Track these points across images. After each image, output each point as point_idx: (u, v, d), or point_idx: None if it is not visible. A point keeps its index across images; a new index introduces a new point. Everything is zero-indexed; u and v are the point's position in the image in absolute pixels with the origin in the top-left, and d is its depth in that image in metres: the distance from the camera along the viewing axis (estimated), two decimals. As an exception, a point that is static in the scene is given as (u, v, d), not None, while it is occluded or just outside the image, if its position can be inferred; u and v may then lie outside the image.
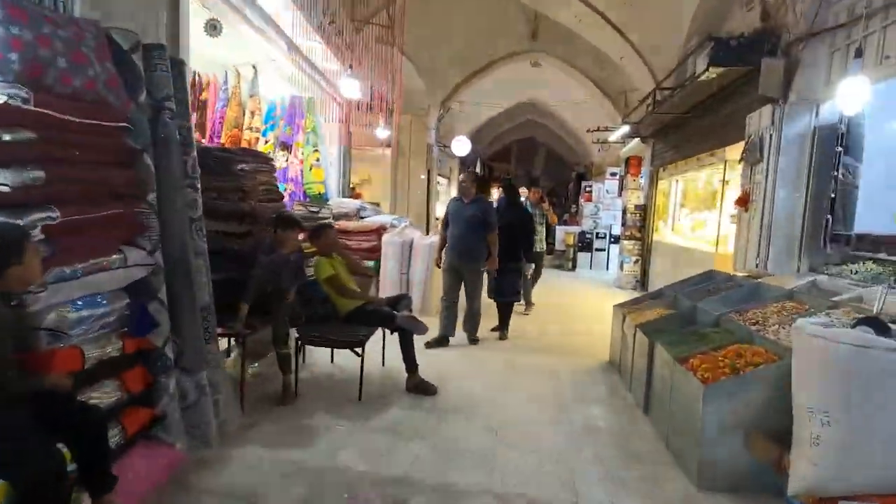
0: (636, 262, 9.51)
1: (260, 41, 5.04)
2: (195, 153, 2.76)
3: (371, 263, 6.37)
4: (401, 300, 3.92)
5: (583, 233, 12.17)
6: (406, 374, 3.68)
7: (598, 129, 12.99)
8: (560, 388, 3.96)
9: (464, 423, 3.22)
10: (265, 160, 4.05)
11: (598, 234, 12.04)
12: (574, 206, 21.19)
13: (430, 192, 12.38)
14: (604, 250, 12.01)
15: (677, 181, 9.03)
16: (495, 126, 18.56)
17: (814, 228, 4.18)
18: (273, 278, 3.34)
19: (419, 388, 3.63)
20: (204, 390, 2.65)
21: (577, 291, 9.06)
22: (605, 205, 12.35)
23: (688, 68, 6.55)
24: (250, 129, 7.37)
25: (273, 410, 3.23)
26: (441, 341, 4.83)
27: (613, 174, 12.45)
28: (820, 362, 1.94)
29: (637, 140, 9.78)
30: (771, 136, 4.30)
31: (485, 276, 4.94)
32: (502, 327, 5.40)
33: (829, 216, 3.93)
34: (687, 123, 7.33)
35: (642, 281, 9.39)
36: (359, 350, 3.44)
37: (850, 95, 3.27)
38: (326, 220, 4.79)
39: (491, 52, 12.06)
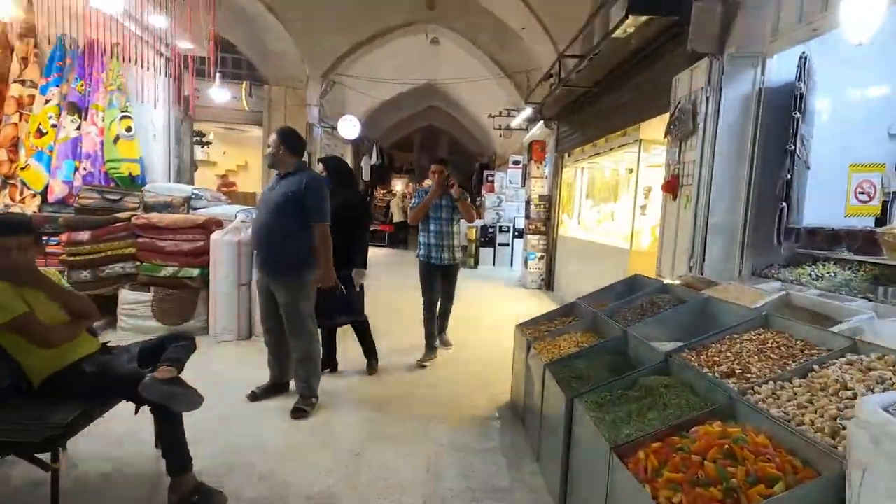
0: (541, 258, 8.58)
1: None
2: None
3: (195, 272, 4.61)
4: (169, 343, 2.30)
5: (485, 227, 11.14)
6: (169, 478, 2.10)
7: (499, 115, 12.03)
8: (437, 465, 2.61)
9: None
10: None
11: (501, 227, 11.07)
12: (479, 198, 20.45)
13: (313, 180, 10.59)
14: (508, 245, 11.07)
15: (583, 169, 8.20)
16: (394, 111, 17.04)
17: (759, 220, 3.25)
18: None
19: (189, 501, 2.07)
20: None
21: (477, 294, 7.90)
22: (509, 196, 11.42)
23: (596, 31, 5.56)
24: (22, 82, 5.20)
25: None
26: (269, 391, 3.28)
27: (516, 162, 11.55)
28: None
29: (541, 124, 8.84)
30: (707, 98, 3.29)
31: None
32: (370, 357, 3.98)
33: (783, 203, 2.98)
34: (595, 100, 6.40)
35: (548, 280, 8.49)
36: (49, 457, 1.80)
37: (858, 21, 2.23)
38: (21, 218, 2.83)
39: (382, 21, 10.52)
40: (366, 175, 15.54)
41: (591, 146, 6.75)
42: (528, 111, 8.80)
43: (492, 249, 11.08)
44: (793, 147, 2.92)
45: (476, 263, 11.13)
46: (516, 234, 11.01)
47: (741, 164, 3.27)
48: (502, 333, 5.09)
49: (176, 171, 6.37)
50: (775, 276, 3.13)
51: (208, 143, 10.67)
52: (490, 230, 11.09)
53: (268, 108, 9.84)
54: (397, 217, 15.42)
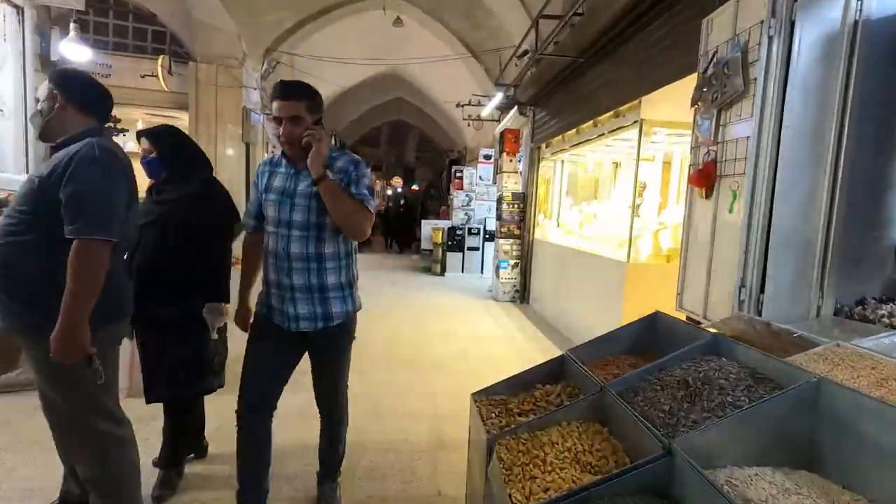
0: (515, 266, 7.38)
1: None
2: None
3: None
4: None
5: (453, 229, 9.89)
6: None
7: (469, 104, 10.81)
8: None
9: None
10: None
11: (470, 229, 9.84)
12: (450, 196, 19.16)
13: (252, 176, 9.14)
14: (478, 249, 9.85)
15: (562, 162, 7.04)
16: (358, 102, 15.64)
17: (848, 228, 2.08)
18: None
19: None
20: None
21: (438, 310, 6.63)
22: (479, 194, 10.21)
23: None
24: None
25: None
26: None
27: (487, 157, 10.36)
28: None
29: (514, 111, 7.64)
30: (770, 38, 2.10)
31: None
32: (174, 460, 2.29)
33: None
34: (580, 75, 5.21)
35: (523, 291, 7.30)
36: None
37: None
38: None
39: (333, -8, 9.17)
40: (324, 171, 14.08)
41: (574, 133, 5.57)
42: (499, 97, 7.58)
43: (460, 254, 9.84)
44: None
45: (443, 270, 9.86)
46: (487, 236, 9.80)
47: (821, 142, 2.09)
48: (467, 377, 3.84)
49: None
50: (880, 318, 1.97)
51: (123, 130, 9.07)
52: (458, 233, 9.84)
53: (195, 89, 8.34)
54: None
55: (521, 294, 7.30)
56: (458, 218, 10.17)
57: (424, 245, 10.45)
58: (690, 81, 2.69)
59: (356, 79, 12.95)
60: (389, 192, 20.63)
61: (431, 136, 20.67)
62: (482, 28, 9.30)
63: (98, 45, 8.39)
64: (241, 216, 2.33)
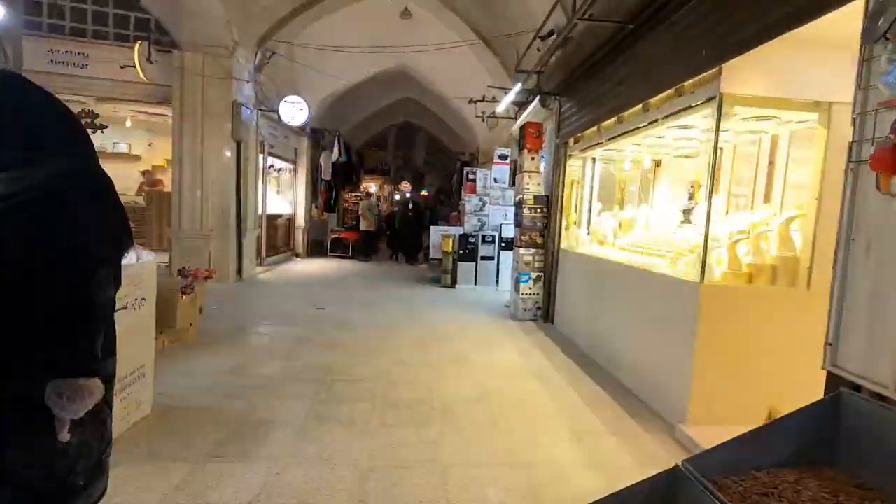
0: (537, 280, 6.41)
1: None
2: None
3: None
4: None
5: (465, 236, 8.94)
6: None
7: (482, 100, 9.90)
8: None
9: None
10: None
11: (484, 237, 8.88)
12: (461, 201, 18.17)
13: (244, 178, 8.27)
14: (492, 259, 8.88)
15: (593, 160, 6.07)
16: (363, 102, 14.80)
17: None
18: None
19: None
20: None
21: (448, 331, 5.67)
22: (494, 198, 9.25)
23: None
24: None
25: None
26: None
27: (503, 157, 9.41)
28: None
29: (535, 103, 6.70)
30: None
31: None
32: None
33: None
34: (625, 49, 4.25)
35: (547, 309, 6.31)
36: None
37: None
38: None
39: (333, -25, 8.33)
40: (327, 174, 13.23)
41: (615, 122, 4.61)
42: (518, 87, 6.65)
43: (473, 265, 8.87)
44: None
45: (454, 282, 8.91)
46: (503, 245, 8.84)
47: None
48: (488, 434, 2.87)
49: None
50: None
51: (102, 127, 8.28)
52: (471, 240, 8.89)
53: (179, 80, 7.50)
54: (365, 224, 13.14)
55: (545, 312, 6.32)
56: (470, 224, 9.23)
57: (433, 254, 9.51)
58: (796, 39, 1.72)
59: (362, 74, 12.10)
60: (398, 196, 19.67)
61: (442, 139, 19.81)
62: (498, 15, 8.41)
63: (75, 32, 7.63)
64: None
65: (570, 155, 6.13)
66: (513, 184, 9.49)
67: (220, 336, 4.82)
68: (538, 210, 6.40)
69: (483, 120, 10.66)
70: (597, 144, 5.22)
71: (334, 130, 13.39)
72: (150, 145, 11.48)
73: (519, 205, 6.66)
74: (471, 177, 9.60)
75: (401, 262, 13.07)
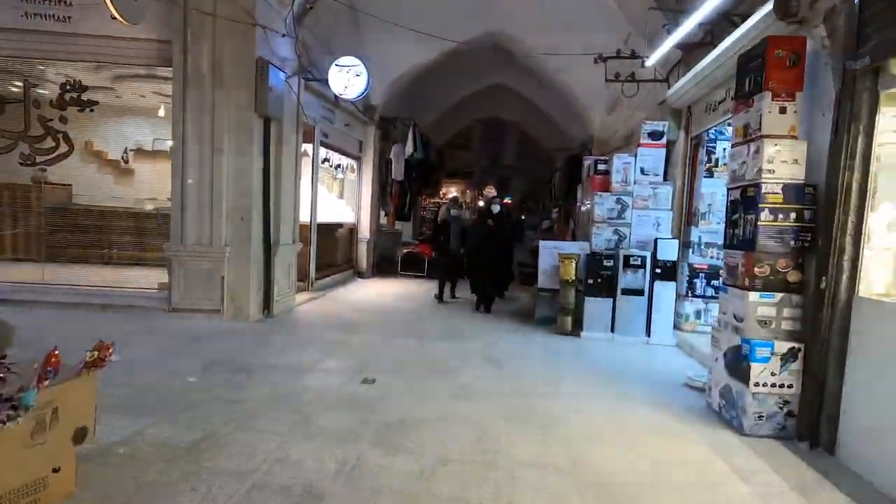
0: (792, 356, 3.13)
1: None
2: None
3: None
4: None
5: (594, 257, 5.80)
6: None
7: (616, 56, 6.73)
8: None
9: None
10: None
11: (628, 259, 5.66)
12: (557, 209, 14.86)
13: (276, 172, 5.80)
14: (642, 293, 5.62)
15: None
16: (444, 88, 12.12)
17: None
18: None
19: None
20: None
21: (585, 463, 2.60)
22: (643, 199, 6.02)
23: None
24: None
25: None
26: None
27: (655, 135, 6.15)
28: None
29: (766, 9, 3.45)
30: None
31: None
32: None
33: None
34: None
35: (813, 419, 3.00)
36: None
37: None
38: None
39: None
40: (398, 173, 10.63)
41: None
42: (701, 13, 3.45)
43: (609, 301, 5.69)
44: None
45: (577, 327, 5.79)
46: (658, 270, 5.57)
47: None
48: None
49: None
50: None
51: (92, 103, 6.23)
52: (606, 264, 5.72)
53: (182, 30, 5.17)
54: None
55: (808, 425, 3.01)
56: (601, 238, 6.06)
57: (544, 283, 6.42)
58: None
59: (444, 45, 9.34)
60: (480, 202, 16.38)
61: (535, 136, 16.70)
62: None
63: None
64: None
65: (889, 101, 2.82)
66: (667, 176, 6.21)
67: (146, 478, 2.14)
68: (792, 214, 3.14)
69: (609, 86, 7.45)
70: None
71: (408, 119, 10.79)
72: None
73: (743, 202, 3.42)
74: (601, 167, 6.42)
75: (483, 305, 7.30)
